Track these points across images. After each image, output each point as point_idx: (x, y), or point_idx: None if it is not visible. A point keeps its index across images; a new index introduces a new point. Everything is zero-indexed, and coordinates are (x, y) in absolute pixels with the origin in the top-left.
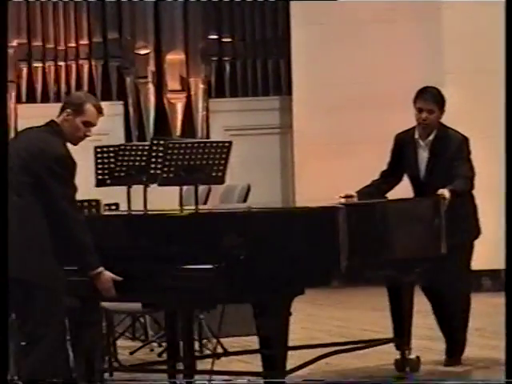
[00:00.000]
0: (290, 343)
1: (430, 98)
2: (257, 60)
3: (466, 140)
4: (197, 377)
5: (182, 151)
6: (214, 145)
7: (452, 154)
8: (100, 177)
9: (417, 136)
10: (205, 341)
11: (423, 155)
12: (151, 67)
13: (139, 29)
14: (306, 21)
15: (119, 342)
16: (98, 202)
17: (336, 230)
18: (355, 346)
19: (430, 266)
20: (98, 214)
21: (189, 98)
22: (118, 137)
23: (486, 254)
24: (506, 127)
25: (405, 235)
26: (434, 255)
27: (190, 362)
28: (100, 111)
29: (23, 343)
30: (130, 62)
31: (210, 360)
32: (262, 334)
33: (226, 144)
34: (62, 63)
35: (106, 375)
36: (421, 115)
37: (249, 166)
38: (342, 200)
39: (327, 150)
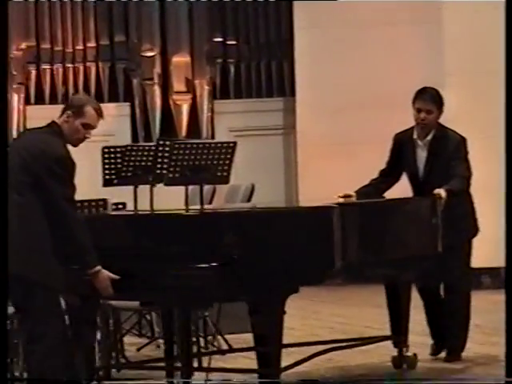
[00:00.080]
0: (292, 340)
1: (429, 99)
2: (261, 62)
3: (463, 140)
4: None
5: (187, 151)
6: (219, 145)
7: (450, 153)
8: (107, 177)
9: (415, 136)
10: (210, 337)
11: (421, 155)
12: (157, 69)
13: (145, 32)
14: (308, 23)
15: (126, 339)
16: (105, 201)
17: (330, 229)
18: (355, 342)
19: (426, 265)
20: (104, 212)
21: (194, 99)
22: (124, 137)
23: (485, 253)
24: (505, 127)
25: (401, 234)
26: (431, 254)
27: (186, 360)
28: (100, 114)
29: (15, 341)
30: (136, 64)
31: (215, 357)
32: (256, 331)
33: (231, 144)
34: (69, 65)
35: (114, 371)
36: (419, 115)
37: (253, 167)
38: (341, 200)
39: (330, 150)
